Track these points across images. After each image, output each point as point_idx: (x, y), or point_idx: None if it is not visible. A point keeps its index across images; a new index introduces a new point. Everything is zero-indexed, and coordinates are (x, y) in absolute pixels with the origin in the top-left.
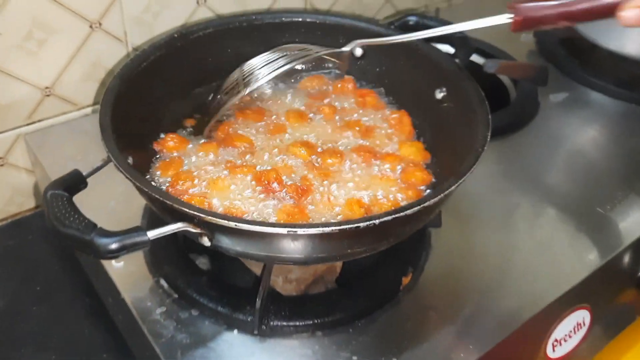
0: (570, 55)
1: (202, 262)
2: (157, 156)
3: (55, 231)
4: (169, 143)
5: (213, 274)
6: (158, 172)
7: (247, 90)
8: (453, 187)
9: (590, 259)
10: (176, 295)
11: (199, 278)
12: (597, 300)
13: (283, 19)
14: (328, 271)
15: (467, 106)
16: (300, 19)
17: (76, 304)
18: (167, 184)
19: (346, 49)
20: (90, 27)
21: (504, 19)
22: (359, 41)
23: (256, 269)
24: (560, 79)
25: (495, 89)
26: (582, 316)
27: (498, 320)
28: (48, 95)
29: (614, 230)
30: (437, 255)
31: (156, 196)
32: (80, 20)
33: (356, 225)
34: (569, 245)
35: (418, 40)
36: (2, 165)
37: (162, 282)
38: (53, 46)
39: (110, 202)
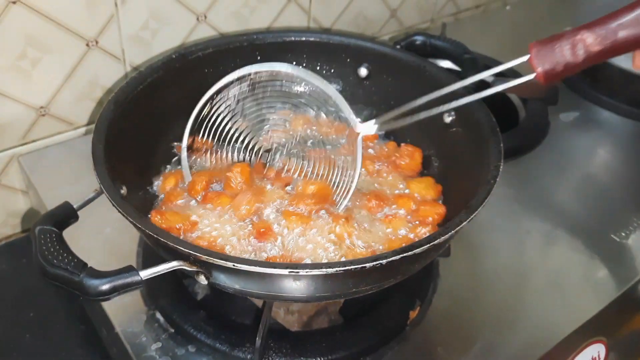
0: (580, 72)
1: (199, 290)
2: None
3: (43, 271)
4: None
5: (211, 306)
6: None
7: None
8: (464, 223)
9: (605, 290)
10: (172, 330)
11: (196, 312)
12: (612, 332)
13: (285, 38)
14: (331, 302)
15: (477, 132)
16: (303, 39)
17: (71, 331)
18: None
19: (361, 131)
20: (87, 45)
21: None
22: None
23: (256, 299)
24: (570, 97)
25: (504, 108)
26: (597, 350)
27: (509, 356)
28: (43, 115)
29: (630, 259)
30: (445, 287)
31: (150, 233)
32: (76, 39)
33: (362, 265)
34: (583, 275)
35: (424, 61)
36: None
37: (158, 315)
38: (48, 65)
39: (105, 229)
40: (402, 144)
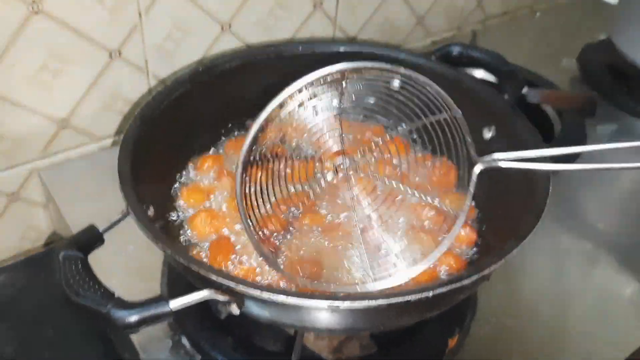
0: (617, 82)
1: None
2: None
3: (68, 301)
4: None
5: (239, 332)
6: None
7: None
8: (514, 251)
9: None
10: (199, 357)
11: (224, 338)
12: None
13: (315, 50)
14: None
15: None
16: (333, 50)
17: (90, 350)
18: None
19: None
20: (110, 56)
21: None
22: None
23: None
24: (608, 109)
25: (539, 120)
26: None
27: None
28: (64, 128)
29: None
30: (484, 313)
31: (181, 261)
32: (98, 50)
33: (406, 299)
34: (629, 300)
35: (461, 73)
36: (15, 200)
37: (184, 341)
38: (70, 76)
39: (128, 247)
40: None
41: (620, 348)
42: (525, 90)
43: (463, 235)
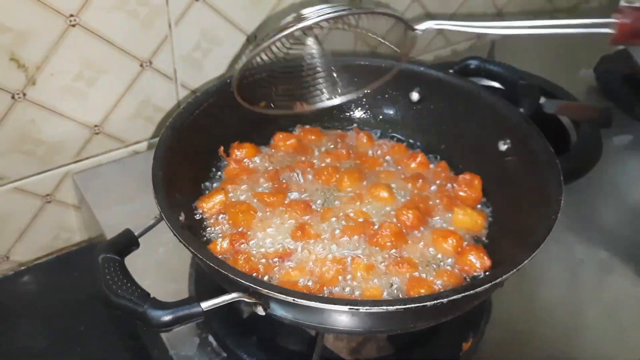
0: (633, 93)
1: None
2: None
3: (107, 301)
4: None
5: (263, 331)
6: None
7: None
8: (527, 261)
9: None
10: (225, 355)
11: (248, 337)
12: None
13: (342, 63)
14: None
15: (534, 162)
16: (355, 62)
17: (121, 346)
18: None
19: (419, 28)
20: (141, 65)
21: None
22: (434, 22)
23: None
24: (623, 119)
25: (555, 130)
26: None
27: None
28: (97, 133)
29: None
30: (497, 318)
31: (212, 265)
32: (131, 60)
33: (423, 304)
34: None
35: (479, 87)
36: (49, 202)
37: (211, 339)
38: (103, 85)
39: (158, 249)
40: (460, 175)
41: (631, 351)
42: (542, 100)
43: (477, 262)
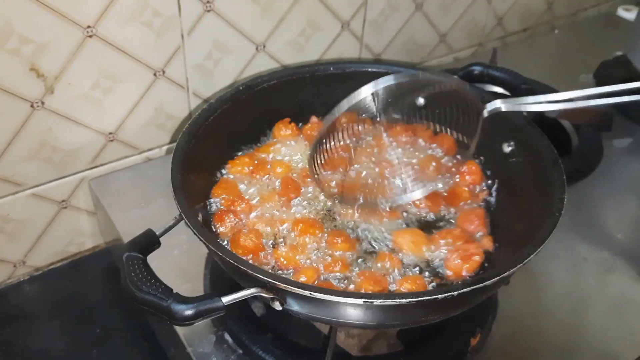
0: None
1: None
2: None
3: (132, 296)
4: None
5: (277, 329)
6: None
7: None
8: (532, 256)
9: None
10: (241, 351)
11: (264, 334)
12: None
13: (346, 69)
14: None
15: (538, 163)
16: (366, 69)
17: (135, 347)
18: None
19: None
20: (155, 74)
21: None
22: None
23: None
24: (624, 123)
25: (556, 134)
26: None
27: None
28: (111, 141)
29: None
30: (504, 314)
31: (231, 261)
32: (145, 69)
33: (434, 297)
34: None
35: (482, 91)
36: (65, 207)
37: (227, 336)
38: (118, 94)
39: (173, 251)
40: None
41: (635, 347)
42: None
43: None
